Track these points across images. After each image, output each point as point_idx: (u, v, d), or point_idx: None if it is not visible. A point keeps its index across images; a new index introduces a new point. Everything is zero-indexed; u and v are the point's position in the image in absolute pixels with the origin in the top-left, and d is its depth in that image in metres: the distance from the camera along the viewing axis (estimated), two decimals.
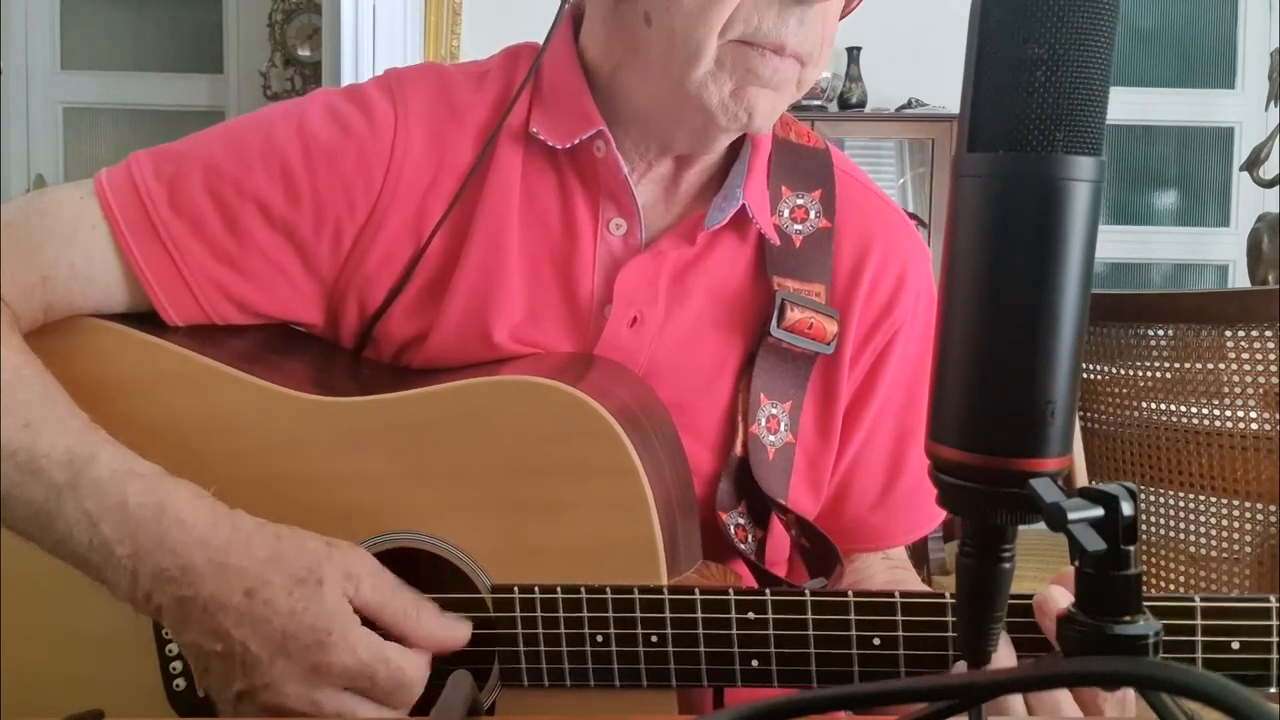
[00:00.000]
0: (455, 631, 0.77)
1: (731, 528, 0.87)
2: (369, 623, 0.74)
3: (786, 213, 0.92)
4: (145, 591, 0.73)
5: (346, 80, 3.33)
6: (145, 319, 0.85)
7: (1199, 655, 0.70)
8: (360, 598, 0.74)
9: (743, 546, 0.87)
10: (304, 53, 4.46)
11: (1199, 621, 0.70)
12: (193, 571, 0.72)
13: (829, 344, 0.90)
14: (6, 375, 0.76)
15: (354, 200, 0.86)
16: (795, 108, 4.04)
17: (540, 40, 0.94)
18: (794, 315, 0.88)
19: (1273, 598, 0.70)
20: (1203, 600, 0.71)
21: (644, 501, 0.76)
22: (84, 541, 0.73)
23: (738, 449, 0.89)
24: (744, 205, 0.89)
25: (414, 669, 0.74)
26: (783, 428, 0.90)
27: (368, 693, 0.74)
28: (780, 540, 0.91)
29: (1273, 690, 0.71)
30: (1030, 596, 0.72)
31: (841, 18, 0.89)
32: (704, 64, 0.82)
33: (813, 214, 0.93)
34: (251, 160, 0.85)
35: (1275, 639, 0.70)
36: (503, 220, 0.88)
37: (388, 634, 0.75)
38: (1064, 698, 0.69)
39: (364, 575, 0.74)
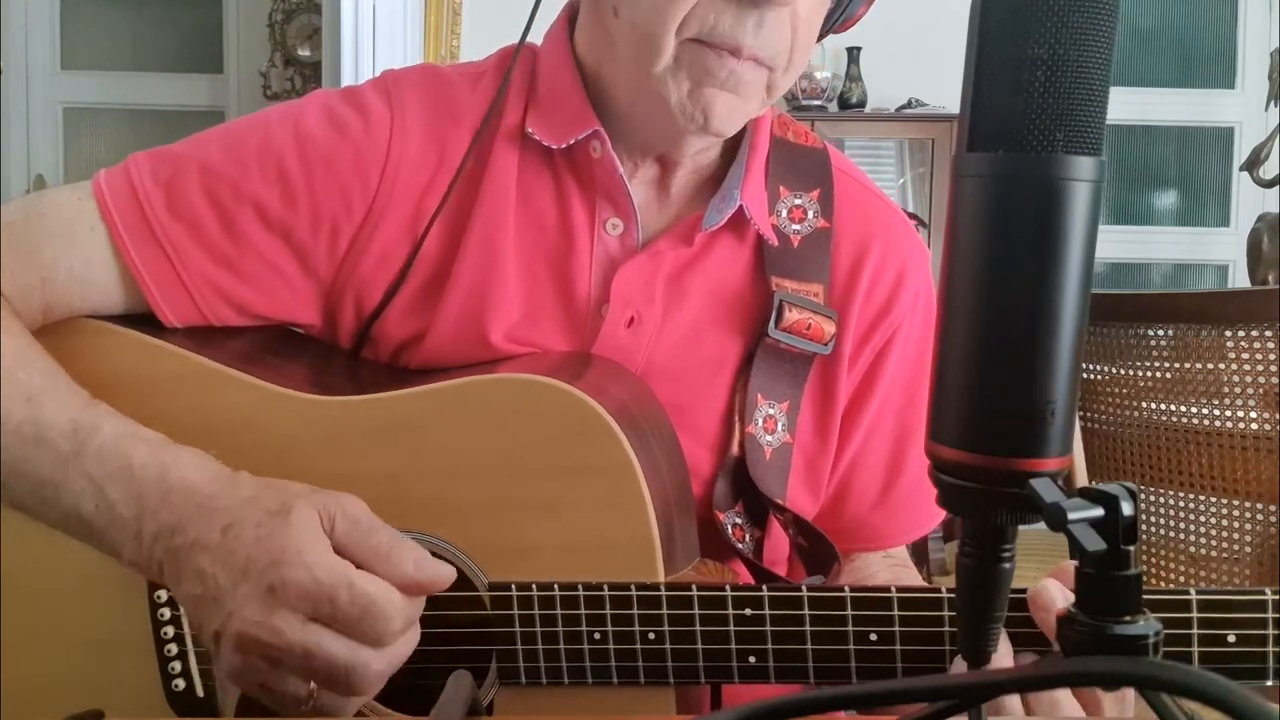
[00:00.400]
0: (429, 569, 0.71)
1: (729, 528, 0.87)
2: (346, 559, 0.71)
3: (784, 213, 0.92)
4: (148, 550, 0.73)
5: (346, 80, 3.33)
6: (143, 320, 0.85)
7: (1195, 649, 0.70)
8: (336, 535, 0.70)
9: (740, 546, 0.87)
10: (304, 53, 4.47)
11: (1195, 615, 0.70)
12: (185, 520, 0.72)
13: (827, 344, 0.90)
14: (8, 355, 0.77)
15: (350, 201, 0.86)
16: (795, 108, 4.05)
17: (541, 41, 0.94)
18: (792, 316, 0.88)
19: (1269, 590, 0.70)
20: (1199, 593, 0.70)
21: (641, 499, 0.76)
22: (90, 508, 0.74)
23: (734, 449, 0.89)
24: (741, 206, 0.89)
25: (383, 595, 0.68)
26: (780, 428, 0.90)
27: (331, 621, 0.68)
28: (779, 540, 0.91)
29: (1269, 684, 0.71)
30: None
31: (839, 31, 0.89)
32: (663, 60, 0.82)
33: (811, 214, 0.93)
34: (248, 163, 0.85)
35: (1271, 631, 0.70)
36: (499, 221, 0.88)
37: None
38: (1064, 697, 0.69)
39: (340, 515, 0.71)
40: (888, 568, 0.99)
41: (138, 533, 0.73)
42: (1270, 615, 0.70)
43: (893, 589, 0.74)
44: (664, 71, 0.82)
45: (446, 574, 0.72)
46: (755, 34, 0.80)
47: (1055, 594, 0.70)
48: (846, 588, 0.75)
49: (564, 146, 0.88)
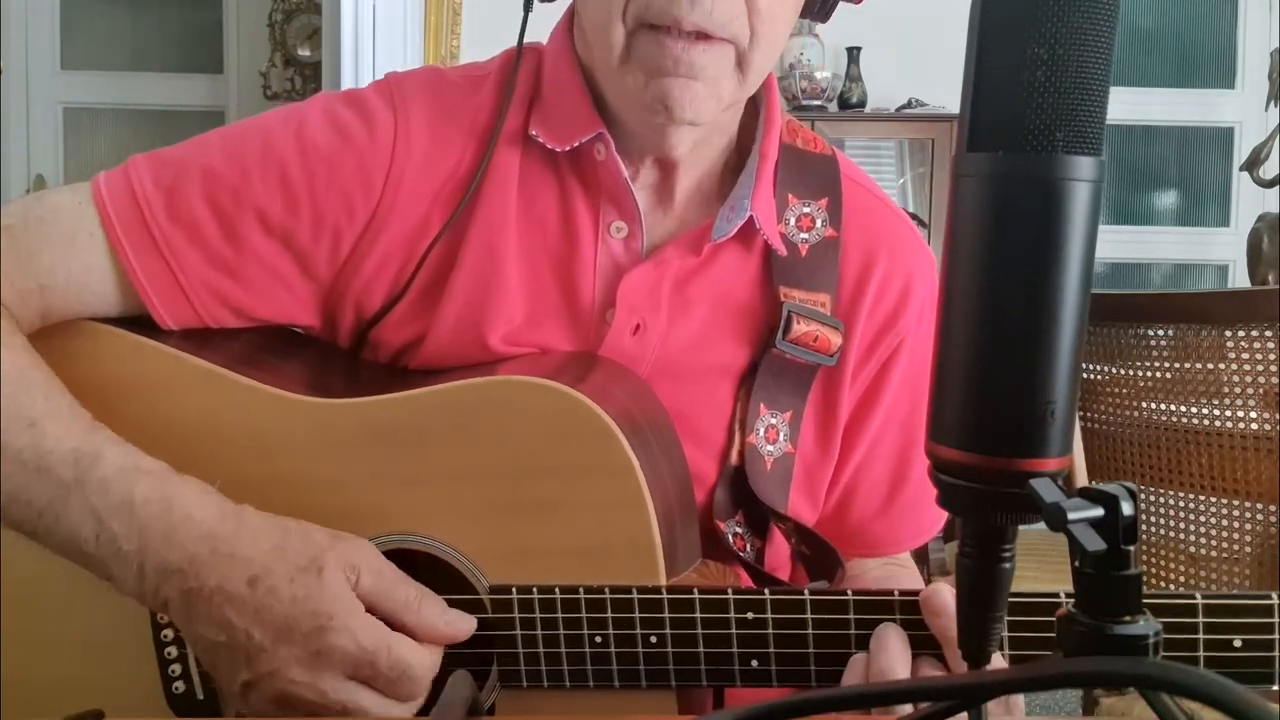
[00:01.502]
0: (458, 624, 0.77)
1: (730, 537, 0.87)
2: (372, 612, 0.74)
3: (793, 221, 0.91)
4: (152, 586, 0.74)
5: (346, 80, 3.33)
6: (141, 322, 0.85)
7: (1201, 653, 0.70)
8: (360, 588, 0.74)
9: (742, 555, 0.87)
10: (304, 53, 4.47)
11: (1201, 619, 0.70)
12: (198, 563, 0.73)
13: (832, 356, 0.89)
14: (9, 376, 0.76)
15: (353, 207, 0.86)
16: (795, 108, 4.04)
17: (543, 41, 0.93)
18: (800, 328, 0.87)
19: (1275, 595, 0.70)
20: (1205, 598, 0.70)
21: (642, 501, 0.76)
22: (91, 539, 0.74)
23: (734, 458, 0.88)
24: (752, 217, 0.88)
25: (418, 660, 0.74)
26: (782, 438, 0.89)
27: (371, 681, 0.74)
28: (780, 549, 0.91)
29: (1276, 689, 0.71)
30: (1028, 595, 0.72)
31: (821, 18, 0.88)
32: (616, 53, 0.81)
33: (819, 223, 0.91)
34: (250, 167, 0.85)
35: (1278, 636, 0.70)
36: (499, 225, 0.87)
37: (390, 626, 0.75)
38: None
39: (364, 567, 0.74)
40: (880, 565, 0.99)
41: (140, 567, 0.74)
42: (1277, 620, 0.70)
43: (895, 593, 0.74)
44: (620, 66, 0.82)
45: (468, 627, 0.77)
46: (692, 6, 0.78)
47: (948, 597, 0.71)
48: (849, 591, 0.74)
49: (568, 149, 0.87)
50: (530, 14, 0.91)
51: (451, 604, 0.78)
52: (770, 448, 0.89)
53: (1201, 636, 0.70)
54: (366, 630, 0.73)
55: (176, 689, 0.82)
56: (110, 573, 0.75)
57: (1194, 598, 0.70)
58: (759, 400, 0.88)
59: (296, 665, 0.72)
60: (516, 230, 0.88)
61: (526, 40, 0.93)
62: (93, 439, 0.76)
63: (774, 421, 0.89)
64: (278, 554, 0.73)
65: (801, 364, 0.89)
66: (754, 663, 0.75)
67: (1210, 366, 1.66)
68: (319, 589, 0.72)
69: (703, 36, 0.79)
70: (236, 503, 0.76)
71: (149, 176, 0.84)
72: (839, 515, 0.96)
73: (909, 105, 3.84)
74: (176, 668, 0.82)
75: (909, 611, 0.73)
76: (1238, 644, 0.70)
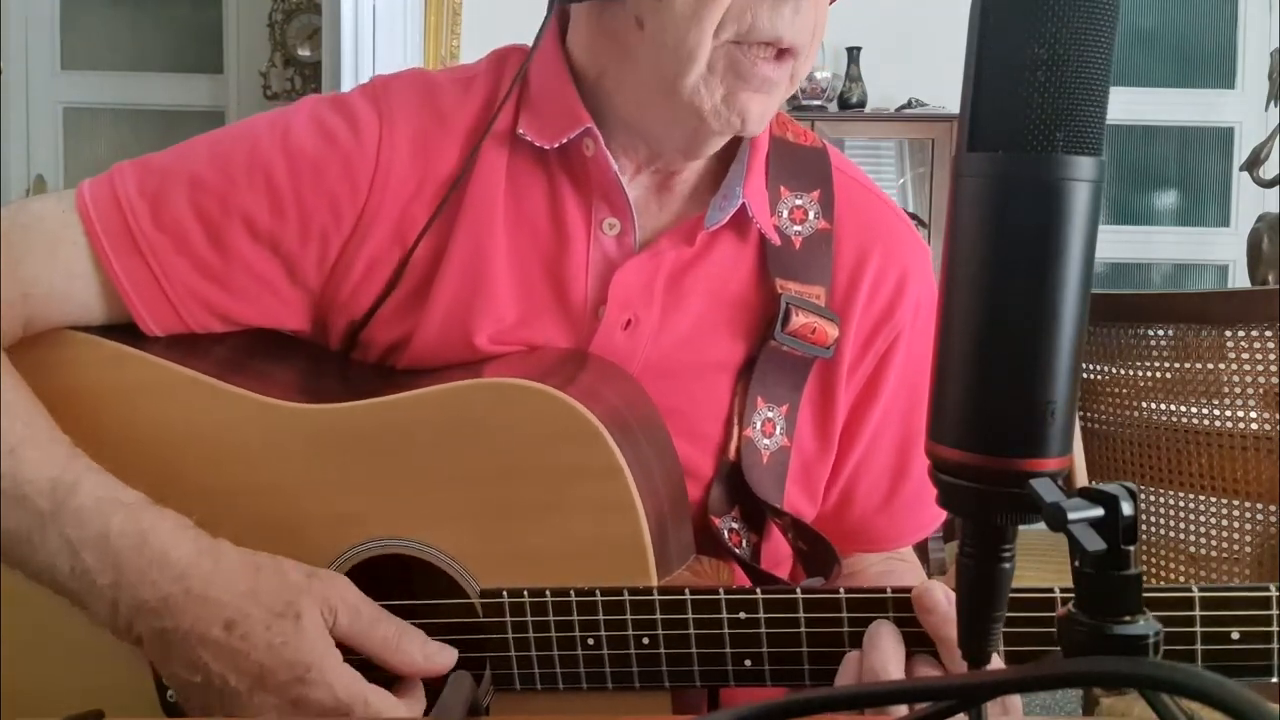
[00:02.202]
0: (436, 659, 0.77)
1: (725, 533, 0.87)
2: (351, 650, 0.75)
3: (785, 213, 0.91)
4: (126, 621, 0.74)
5: (346, 80, 3.33)
6: (124, 330, 0.84)
7: (1199, 646, 0.70)
8: (338, 629, 0.74)
9: (738, 552, 0.87)
10: (304, 53, 4.47)
11: (1198, 612, 0.70)
12: (173, 603, 0.73)
13: (829, 348, 0.89)
14: None
15: (340, 211, 0.85)
16: (795, 108, 4.05)
17: (531, 44, 0.93)
18: (798, 320, 0.87)
19: (1272, 586, 0.70)
20: (1201, 590, 0.70)
21: (631, 503, 0.76)
22: (65, 570, 0.74)
23: (730, 453, 0.88)
24: (744, 204, 0.88)
25: (392, 712, 0.74)
26: (778, 431, 0.89)
27: None
28: (778, 544, 0.90)
29: (1274, 681, 0.71)
30: (1029, 590, 0.72)
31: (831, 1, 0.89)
32: (697, 68, 0.80)
33: (811, 215, 0.92)
34: (236, 173, 0.84)
35: (1275, 628, 0.70)
36: (487, 225, 0.87)
37: (371, 662, 0.76)
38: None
39: (341, 607, 0.74)
40: (881, 559, 0.99)
41: (114, 602, 0.74)
42: (1274, 612, 0.70)
43: (888, 590, 0.74)
44: (697, 80, 0.81)
45: (449, 659, 0.77)
46: (792, 22, 0.80)
47: (939, 595, 0.71)
48: (842, 589, 0.74)
49: (556, 146, 0.87)
50: (525, 10, 0.91)
51: (442, 608, 0.78)
52: (767, 441, 0.88)
53: (1199, 630, 0.70)
54: (343, 682, 0.73)
55: (171, 696, 0.81)
56: (85, 604, 0.75)
57: (1191, 590, 0.70)
58: (756, 394, 0.88)
59: (271, 712, 0.72)
60: (505, 230, 0.87)
61: (514, 43, 0.93)
62: (72, 467, 0.76)
63: (771, 415, 0.89)
64: (252, 598, 0.73)
65: (798, 357, 0.89)
66: (748, 662, 0.75)
67: (1210, 366, 1.66)
68: (296, 637, 0.72)
69: (784, 52, 0.81)
70: (224, 512, 0.76)
71: (133, 183, 0.84)
72: (840, 511, 0.96)
73: (909, 105, 3.84)
74: None
75: (902, 609, 0.73)
76: (1235, 636, 0.70)
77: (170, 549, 0.74)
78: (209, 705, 0.74)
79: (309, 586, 0.74)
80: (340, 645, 0.74)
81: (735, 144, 0.91)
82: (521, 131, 0.88)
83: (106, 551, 0.73)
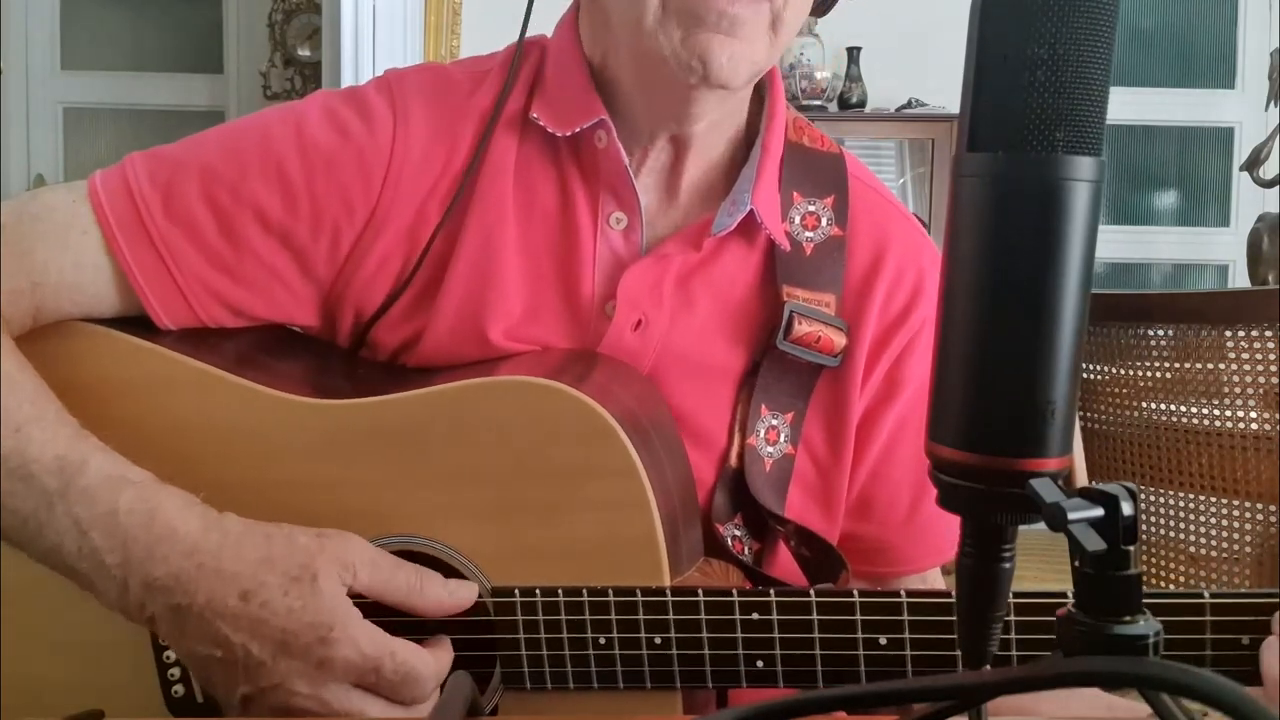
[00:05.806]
0: (459, 594, 0.76)
1: (728, 540, 0.86)
2: (375, 606, 0.74)
3: (798, 219, 0.90)
4: (137, 601, 0.73)
5: (346, 80, 3.33)
6: (135, 322, 0.84)
7: (1209, 652, 0.70)
8: (359, 583, 0.74)
9: (741, 559, 0.86)
10: (304, 53, 4.47)
11: (1209, 618, 0.70)
12: (185, 579, 0.72)
13: (836, 357, 0.88)
14: None
15: (352, 205, 0.85)
16: (795, 108, 4.06)
17: (546, 38, 0.93)
18: (802, 328, 0.86)
19: None
20: (1212, 596, 0.70)
21: (645, 502, 0.76)
22: (73, 550, 0.73)
23: (733, 460, 0.87)
24: (752, 211, 0.87)
25: (422, 663, 0.73)
26: (783, 439, 0.88)
27: (375, 687, 0.73)
28: (782, 553, 0.89)
29: None
30: (1030, 595, 0.72)
31: None
32: (651, 10, 0.79)
33: (824, 221, 0.90)
34: (248, 166, 0.84)
35: None
36: (497, 215, 0.87)
37: (395, 612, 0.75)
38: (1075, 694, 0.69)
39: (358, 562, 0.74)
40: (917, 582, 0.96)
41: (124, 582, 0.73)
42: None
43: (903, 593, 0.74)
44: (654, 23, 0.79)
45: (471, 593, 0.77)
46: None
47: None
48: (855, 591, 0.74)
49: (569, 135, 0.86)
50: (533, 2, 0.90)
51: None
52: (770, 449, 0.88)
53: (1209, 636, 0.70)
54: (368, 637, 0.72)
55: (175, 693, 0.81)
56: (94, 586, 0.74)
57: (1202, 595, 0.70)
58: (760, 401, 0.87)
59: (299, 678, 0.72)
60: (515, 220, 0.87)
61: (532, 34, 0.92)
62: (79, 446, 0.75)
63: (775, 423, 0.88)
64: (267, 565, 0.72)
65: (804, 364, 0.88)
66: (760, 663, 0.75)
67: (1210, 366, 1.66)
68: (314, 599, 0.72)
69: None
70: (234, 506, 0.76)
71: (145, 174, 0.84)
72: (860, 525, 0.93)
73: (909, 105, 3.83)
74: (175, 671, 0.81)
75: (917, 613, 0.73)
76: (1245, 642, 0.70)
77: (179, 524, 0.73)
78: (230, 679, 0.73)
79: (322, 547, 0.74)
80: (364, 600, 0.74)
81: (748, 149, 0.91)
82: (535, 115, 0.87)
83: (115, 530, 0.72)
